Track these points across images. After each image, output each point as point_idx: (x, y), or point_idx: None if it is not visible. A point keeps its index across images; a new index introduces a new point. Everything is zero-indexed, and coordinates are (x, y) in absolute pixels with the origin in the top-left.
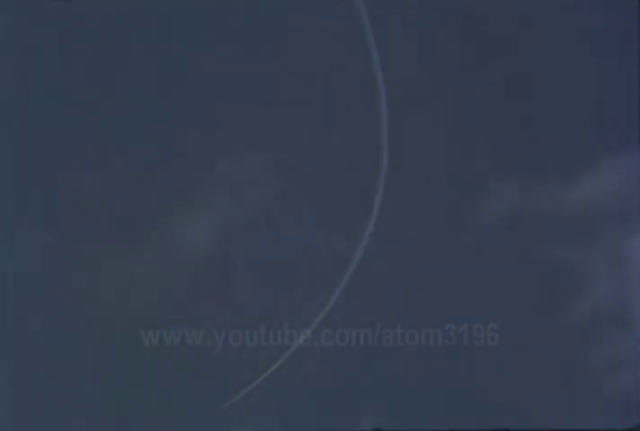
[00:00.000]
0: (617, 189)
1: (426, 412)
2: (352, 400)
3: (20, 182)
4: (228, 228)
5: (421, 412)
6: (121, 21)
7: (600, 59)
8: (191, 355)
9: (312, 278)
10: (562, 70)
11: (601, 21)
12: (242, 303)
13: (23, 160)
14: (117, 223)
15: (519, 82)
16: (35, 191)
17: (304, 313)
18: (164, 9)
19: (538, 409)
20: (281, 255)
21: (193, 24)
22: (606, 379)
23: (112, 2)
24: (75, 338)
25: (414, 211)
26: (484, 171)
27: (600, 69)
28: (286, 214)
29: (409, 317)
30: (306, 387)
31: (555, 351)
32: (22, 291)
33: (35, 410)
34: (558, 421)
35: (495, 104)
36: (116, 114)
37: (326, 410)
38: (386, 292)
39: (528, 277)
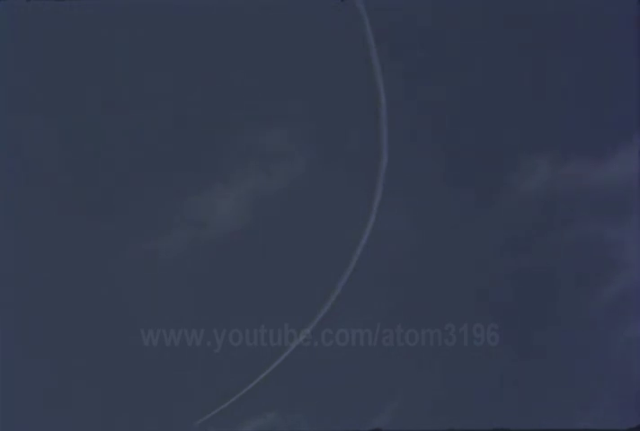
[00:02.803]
0: None
1: (426, 412)
2: (352, 399)
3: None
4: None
5: (421, 412)
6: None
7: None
8: (191, 355)
9: (312, 278)
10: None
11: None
12: (242, 302)
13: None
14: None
15: (546, 60)
16: (47, 171)
17: (304, 313)
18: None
19: (539, 408)
20: (280, 256)
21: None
22: (613, 376)
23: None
24: (74, 338)
25: (421, 205)
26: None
27: (622, 51)
28: (282, 213)
29: (409, 317)
30: (306, 387)
31: (561, 348)
32: (21, 287)
33: (34, 410)
34: (558, 421)
35: (524, 80)
36: (141, 87)
37: (326, 410)
38: (387, 292)
39: (555, 262)
